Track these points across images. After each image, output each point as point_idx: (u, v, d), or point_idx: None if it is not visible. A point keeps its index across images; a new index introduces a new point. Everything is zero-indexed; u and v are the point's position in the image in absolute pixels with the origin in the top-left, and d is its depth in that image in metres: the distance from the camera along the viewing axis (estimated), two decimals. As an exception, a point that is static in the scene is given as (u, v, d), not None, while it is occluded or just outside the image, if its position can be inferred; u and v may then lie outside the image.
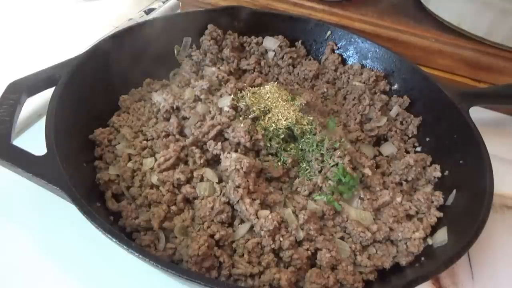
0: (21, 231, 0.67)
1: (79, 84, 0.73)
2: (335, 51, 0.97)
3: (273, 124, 0.74)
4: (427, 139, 0.83)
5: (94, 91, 0.77)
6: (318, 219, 0.66)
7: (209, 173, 0.68)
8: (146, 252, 0.52)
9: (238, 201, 0.63)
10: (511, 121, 1.02)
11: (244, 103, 0.76)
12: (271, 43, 0.98)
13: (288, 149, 0.74)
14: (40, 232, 0.67)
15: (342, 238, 0.66)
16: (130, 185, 0.69)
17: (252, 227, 0.62)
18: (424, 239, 0.66)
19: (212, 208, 0.63)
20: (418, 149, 0.83)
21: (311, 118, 0.77)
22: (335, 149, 0.72)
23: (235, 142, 0.70)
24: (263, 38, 0.99)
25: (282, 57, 0.97)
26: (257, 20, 0.98)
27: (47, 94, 0.70)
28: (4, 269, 0.63)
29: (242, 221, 0.64)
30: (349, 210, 0.68)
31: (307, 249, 0.62)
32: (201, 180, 0.67)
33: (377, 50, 0.92)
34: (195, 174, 0.68)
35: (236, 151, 0.70)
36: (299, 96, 0.82)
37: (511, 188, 0.83)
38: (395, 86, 0.91)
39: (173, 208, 0.65)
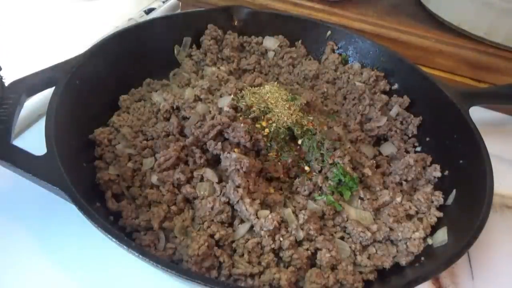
0: (21, 231, 0.67)
1: (79, 84, 0.73)
2: (335, 51, 0.97)
3: (273, 124, 0.74)
4: (427, 139, 0.83)
5: (94, 91, 0.77)
6: (318, 219, 0.66)
7: (209, 173, 0.68)
8: (146, 252, 0.52)
9: (238, 201, 0.63)
10: (511, 121, 1.02)
11: (244, 103, 0.76)
12: (271, 43, 0.98)
13: (288, 149, 0.74)
14: (40, 232, 0.67)
15: (342, 238, 0.66)
16: (130, 185, 0.69)
17: (252, 227, 0.62)
18: (424, 239, 0.66)
19: (212, 208, 0.63)
20: (418, 149, 0.83)
21: (311, 118, 0.77)
22: (335, 149, 0.72)
23: (235, 142, 0.70)
24: (263, 38, 0.99)
25: (282, 57, 0.97)
26: (257, 20, 0.98)
27: (47, 94, 0.70)
28: (4, 268, 0.63)
29: (242, 221, 0.64)
30: (349, 210, 0.68)
31: (307, 249, 0.62)
32: (201, 180, 0.67)
33: (377, 50, 0.92)
34: (195, 174, 0.68)
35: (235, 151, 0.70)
36: (299, 96, 0.82)
37: (511, 188, 0.83)
38: (395, 86, 0.91)
39: (173, 208, 0.65)
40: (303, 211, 0.64)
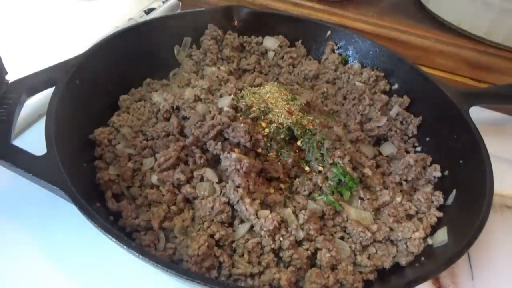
0: (21, 231, 0.67)
1: (79, 84, 0.73)
2: (335, 51, 0.97)
3: (273, 124, 0.74)
4: (427, 139, 0.83)
5: (94, 91, 0.77)
6: (318, 219, 0.66)
7: (209, 173, 0.68)
8: (146, 252, 0.52)
9: (238, 201, 0.63)
10: (511, 121, 1.02)
11: (244, 103, 0.76)
12: (271, 43, 0.98)
13: (288, 149, 0.74)
14: (40, 232, 0.67)
15: (342, 238, 0.66)
16: (130, 185, 0.69)
17: (252, 227, 0.62)
18: (424, 239, 0.66)
19: (212, 208, 0.63)
20: (418, 149, 0.83)
21: (311, 118, 0.77)
22: (335, 149, 0.72)
23: (235, 142, 0.70)
24: (263, 38, 0.99)
25: (282, 57, 0.97)
26: (257, 20, 0.99)
27: (47, 94, 0.70)
28: (4, 268, 0.63)
29: (242, 221, 0.64)
30: (349, 210, 0.68)
31: (307, 249, 0.62)
32: (201, 180, 0.67)
33: (377, 50, 0.92)
34: (195, 174, 0.68)
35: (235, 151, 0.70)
36: (299, 96, 0.82)
37: (511, 188, 0.83)
38: (395, 86, 0.91)
39: (173, 208, 0.65)
40: (303, 211, 0.64)
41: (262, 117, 0.75)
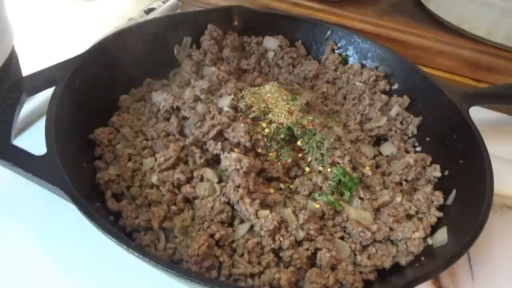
0: (21, 231, 0.67)
1: (79, 84, 0.73)
2: (335, 51, 0.97)
3: (273, 124, 0.74)
4: (427, 139, 0.83)
5: (94, 91, 0.77)
6: (318, 219, 0.66)
7: (209, 173, 0.68)
8: (146, 252, 0.52)
9: (238, 201, 0.63)
10: (511, 121, 1.02)
11: (244, 103, 0.77)
12: (271, 43, 0.98)
13: (288, 149, 0.73)
14: (40, 232, 0.67)
15: (342, 238, 0.66)
16: (130, 185, 0.69)
17: (252, 227, 0.62)
18: (424, 239, 0.66)
19: (212, 208, 0.63)
20: (418, 149, 0.83)
21: (311, 118, 0.77)
22: (335, 149, 0.72)
23: (235, 142, 0.70)
24: (263, 38, 0.99)
25: (282, 57, 0.97)
26: (257, 20, 0.98)
27: (47, 94, 0.70)
28: (4, 268, 0.63)
29: (242, 221, 0.64)
30: (349, 210, 0.68)
31: (307, 249, 0.62)
32: (201, 180, 0.67)
33: (377, 50, 0.92)
34: (195, 174, 0.68)
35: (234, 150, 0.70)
36: (299, 96, 0.82)
37: (511, 188, 0.83)
38: (395, 86, 0.91)
39: (173, 208, 0.65)
40: (303, 211, 0.64)
41: (262, 117, 0.75)
